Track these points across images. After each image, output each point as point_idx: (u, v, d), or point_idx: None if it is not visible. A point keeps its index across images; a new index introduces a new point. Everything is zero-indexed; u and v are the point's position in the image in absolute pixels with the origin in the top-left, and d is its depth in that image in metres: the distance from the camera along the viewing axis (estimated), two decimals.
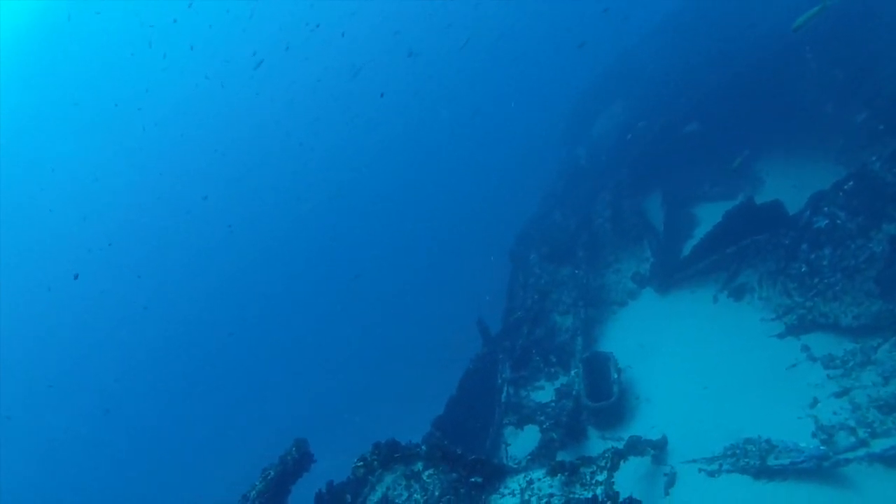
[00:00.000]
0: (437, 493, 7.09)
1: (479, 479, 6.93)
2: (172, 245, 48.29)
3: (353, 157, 46.11)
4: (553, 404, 9.29)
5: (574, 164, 16.00)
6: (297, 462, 6.77)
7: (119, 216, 50.67)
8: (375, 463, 6.20)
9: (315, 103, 49.86)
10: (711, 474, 6.67)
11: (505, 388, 9.99)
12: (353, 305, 31.93)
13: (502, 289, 12.25)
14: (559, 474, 6.41)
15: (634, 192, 12.54)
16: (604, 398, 8.67)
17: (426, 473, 7.60)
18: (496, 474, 6.94)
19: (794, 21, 7.10)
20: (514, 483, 6.76)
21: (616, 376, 8.78)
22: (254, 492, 6.32)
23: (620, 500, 5.61)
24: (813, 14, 7.02)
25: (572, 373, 9.70)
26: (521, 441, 9.28)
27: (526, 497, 6.45)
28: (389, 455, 6.28)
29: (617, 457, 6.34)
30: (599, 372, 9.22)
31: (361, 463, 6.18)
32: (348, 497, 7.35)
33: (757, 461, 6.31)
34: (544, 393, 9.95)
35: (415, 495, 7.26)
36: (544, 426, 8.59)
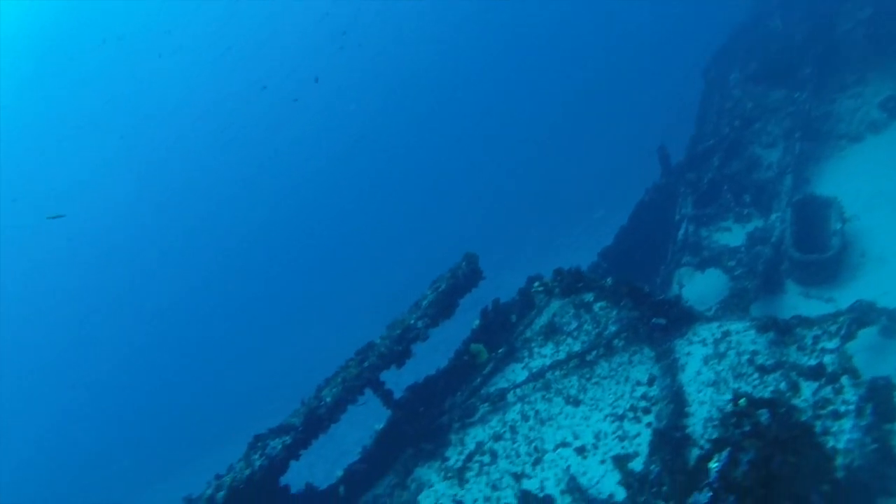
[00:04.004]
0: (611, 328, 6.29)
1: (663, 322, 5.91)
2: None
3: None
4: (744, 249, 7.70)
5: None
6: (467, 276, 6.23)
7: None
8: (557, 290, 5.35)
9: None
10: None
11: (684, 226, 8.49)
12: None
13: (690, 113, 9.94)
14: (770, 331, 5.15)
15: None
16: (816, 250, 6.90)
17: (598, 305, 6.77)
18: (684, 319, 5.85)
19: None
20: (706, 331, 5.67)
21: (839, 226, 6.83)
22: (425, 301, 5.95)
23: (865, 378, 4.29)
24: None
25: (773, 217, 7.84)
26: (697, 284, 8.04)
27: (721, 349, 5.37)
28: (572, 283, 5.39)
29: (855, 324, 4.88)
30: (812, 219, 7.29)
31: (542, 287, 5.37)
32: (513, 317, 6.83)
33: None
34: (730, 235, 8.31)
35: (585, 325, 6.54)
36: (736, 273, 7.16)
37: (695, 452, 4.42)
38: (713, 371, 5.17)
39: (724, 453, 2.84)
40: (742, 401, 3.27)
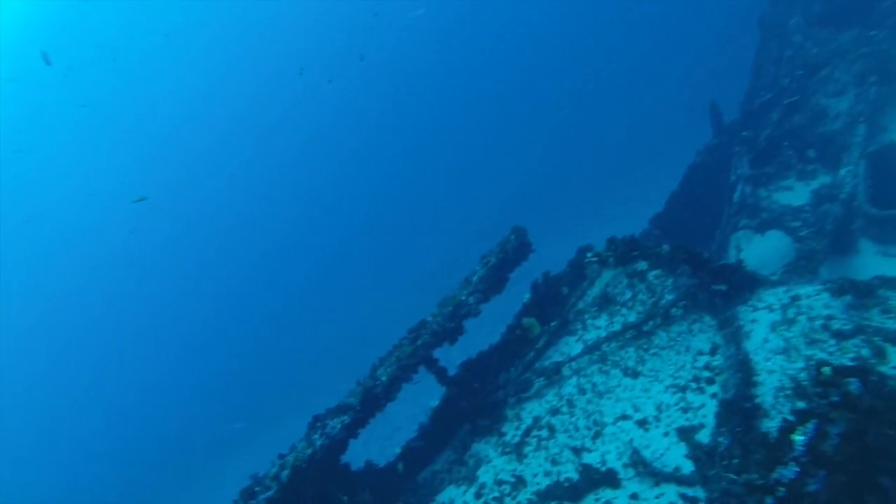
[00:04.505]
0: (668, 297, 6.00)
1: (724, 288, 5.59)
2: None
3: None
4: (809, 209, 7.17)
5: None
6: (516, 250, 6.06)
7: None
8: (611, 259, 5.12)
9: None
10: None
11: (740, 187, 7.98)
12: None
13: (744, 66, 9.26)
14: (847, 294, 4.77)
15: None
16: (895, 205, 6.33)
17: (652, 274, 6.48)
18: (747, 284, 5.51)
19: None
20: (772, 297, 5.31)
21: None
22: (475, 276, 5.83)
23: None
24: None
25: (843, 171, 7.24)
26: (757, 247, 7.56)
27: (790, 315, 5.01)
28: (627, 252, 5.14)
29: None
30: (891, 171, 6.68)
31: (595, 258, 5.15)
32: (565, 289, 6.63)
33: None
34: (792, 195, 7.75)
35: (640, 295, 6.28)
36: (801, 234, 6.68)
37: (766, 423, 4.17)
38: (782, 338, 4.84)
39: (810, 425, 2.61)
40: (826, 369, 3.01)
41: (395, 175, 40.03)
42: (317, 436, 4.61)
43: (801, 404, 4.04)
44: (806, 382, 4.20)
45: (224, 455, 25.26)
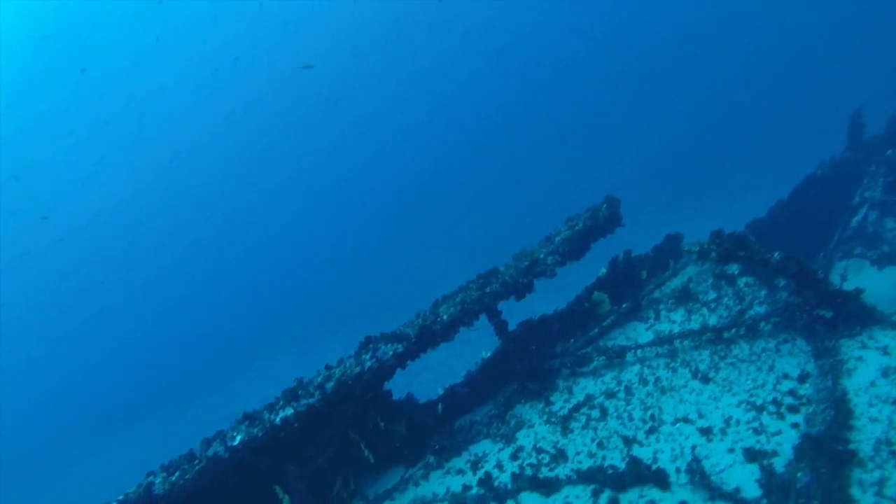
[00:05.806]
0: (758, 308, 5.35)
1: (830, 314, 4.91)
2: None
3: None
4: None
5: None
6: (607, 220, 5.48)
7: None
8: (713, 254, 4.50)
9: None
10: None
11: (863, 211, 6.98)
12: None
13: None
14: None
15: None
16: None
17: (743, 280, 5.81)
18: (859, 317, 4.79)
19: None
20: (890, 339, 4.62)
21: None
22: (558, 237, 5.33)
23: None
24: None
25: None
26: (868, 281, 6.65)
27: None
28: (733, 250, 4.50)
29: None
30: None
31: (697, 248, 4.55)
32: (644, 273, 6.05)
33: None
34: None
35: (725, 300, 5.65)
36: None
37: (860, 474, 3.61)
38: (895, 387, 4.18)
39: None
40: None
41: (495, 135, 39.28)
42: (367, 357, 4.38)
43: None
44: None
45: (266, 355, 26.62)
